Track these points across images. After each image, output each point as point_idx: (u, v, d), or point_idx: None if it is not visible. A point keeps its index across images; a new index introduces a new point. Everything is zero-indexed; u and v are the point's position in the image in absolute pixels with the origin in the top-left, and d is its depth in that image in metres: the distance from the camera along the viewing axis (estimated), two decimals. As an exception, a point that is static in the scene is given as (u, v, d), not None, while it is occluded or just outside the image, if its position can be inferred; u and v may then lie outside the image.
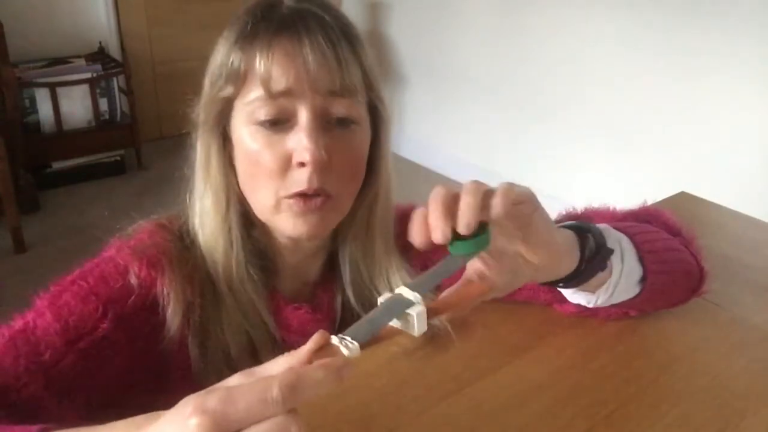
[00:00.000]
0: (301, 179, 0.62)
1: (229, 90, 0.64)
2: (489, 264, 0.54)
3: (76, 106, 2.89)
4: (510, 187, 0.50)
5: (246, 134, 0.64)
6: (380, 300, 0.45)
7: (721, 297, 0.73)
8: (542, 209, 0.54)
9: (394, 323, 0.44)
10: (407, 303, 0.44)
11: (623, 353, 0.68)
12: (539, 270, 0.57)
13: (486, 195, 0.49)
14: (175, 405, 0.37)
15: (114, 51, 3.25)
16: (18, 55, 2.83)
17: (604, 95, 2.65)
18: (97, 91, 2.93)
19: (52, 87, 2.79)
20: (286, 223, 0.65)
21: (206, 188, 0.69)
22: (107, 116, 3.01)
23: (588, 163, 2.78)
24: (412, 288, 0.44)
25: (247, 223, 0.69)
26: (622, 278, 0.65)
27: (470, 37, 3.13)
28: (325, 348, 0.39)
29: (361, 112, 0.66)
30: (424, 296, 0.45)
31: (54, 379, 0.60)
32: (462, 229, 0.47)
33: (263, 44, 0.62)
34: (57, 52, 3.02)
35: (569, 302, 0.72)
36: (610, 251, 0.63)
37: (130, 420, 0.43)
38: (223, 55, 0.65)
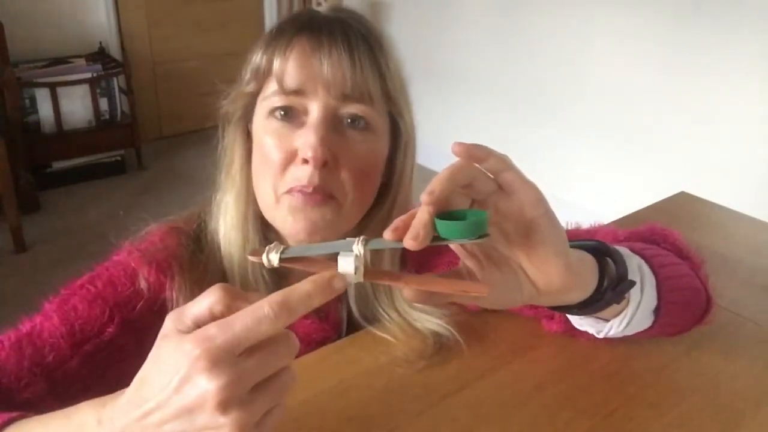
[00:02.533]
0: (301, 175, 0.61)
1: (251, 85, 0.66)
2: (483, 266, 0.48)
3: (77, 106, 2.89)
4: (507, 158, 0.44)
5: (260, 127, 0.65)
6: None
7: (721, 297, 0.73)
8: (552, 215, 0.46)
9: (343, 265, 0.42)
10: (349, 249, 0.42)
11: (623, 353, 0.68)
12: (542, 293, 0.49)
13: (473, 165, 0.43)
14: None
15: (114, 51, 3.25)
16: (18, 55, 2.84)
17: (604, 95, 2.65)
18: (98, 91, 2.93)
19: (53, 87, 2.80)
20: (285, 221, 0.64)
21: (228, 185, 0.69)
22: (107, 116, 3.01)
23: (588, 162, 2.78)
24: (365, 242, 0.42)
25: (264, 225, 0.69)
26: (639, 311, 0.59)
27: (470, 36, 3.13)
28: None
29: (378, 122, 0.65)
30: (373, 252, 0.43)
31: (57, 382, 0.60)
32: (425, 196, 0.41)
33: (284, 42, 0.63)
34: (57, 52, 3.03)
35: (555, 320, 0.69)
36: (632, 284, 0.56)
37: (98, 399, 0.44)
38: (252, 54, 0.67)
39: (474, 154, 0.43)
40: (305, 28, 0.64)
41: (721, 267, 0.87)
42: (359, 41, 0.63)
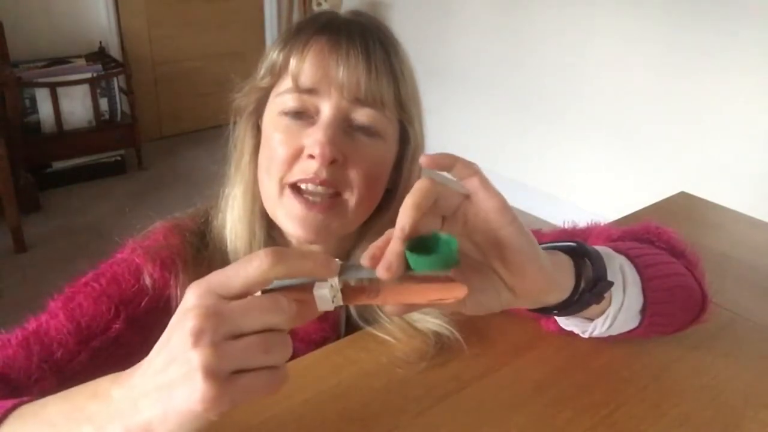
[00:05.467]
0: (308, 168, 0.62)
1: (266, 80, 0.67)
2: (461, 272, 0.48)
3: (77, 106, 2.89)
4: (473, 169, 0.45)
5: (271, 122, 0.66)
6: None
7: (721, 297, 0.73)
8: (518, 223, 0.46)
9: (319, 294, 0.43)
10: (323, 280, 0.43)
11: (623, 353, 0.68)
12: (519, 297, 0.50)
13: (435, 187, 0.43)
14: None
15: (114, 51, 3.25)
16: (18, 55, 2.84)
17: (605, 95, 2.65)
18: (98, 91, 2.93)
19: (53, 87, 2.80)
20: (285, 224, 0.65)
21: (237, 178, 0.70)
22: (107, 116, 3.01)
23: (589, 162, 2.78)
24: (342, 269, 0.43)
25: (269, 223, 0.70)
26: (622, 311, 0.60)
27: (471, 36, 3.13)
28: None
29: (387, 128, 0.65)
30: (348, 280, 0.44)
31: (67, 377, 0.61)
32: (398, 233, 0.42)
33: (302, 41, 0.64)
34: (57, 52, 3.03)
35: (552, 320, 0.68)
36: (609, 284, 0.56)
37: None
38: (268, 50, 0.68)
39: (441, 164, 0.45)
40: (325, 28, 0.64)
41: (720, 267, 0.87)
42: (377, 47, 0.64)
